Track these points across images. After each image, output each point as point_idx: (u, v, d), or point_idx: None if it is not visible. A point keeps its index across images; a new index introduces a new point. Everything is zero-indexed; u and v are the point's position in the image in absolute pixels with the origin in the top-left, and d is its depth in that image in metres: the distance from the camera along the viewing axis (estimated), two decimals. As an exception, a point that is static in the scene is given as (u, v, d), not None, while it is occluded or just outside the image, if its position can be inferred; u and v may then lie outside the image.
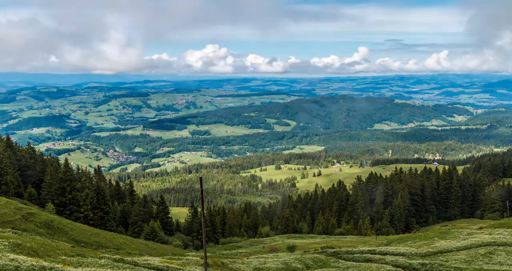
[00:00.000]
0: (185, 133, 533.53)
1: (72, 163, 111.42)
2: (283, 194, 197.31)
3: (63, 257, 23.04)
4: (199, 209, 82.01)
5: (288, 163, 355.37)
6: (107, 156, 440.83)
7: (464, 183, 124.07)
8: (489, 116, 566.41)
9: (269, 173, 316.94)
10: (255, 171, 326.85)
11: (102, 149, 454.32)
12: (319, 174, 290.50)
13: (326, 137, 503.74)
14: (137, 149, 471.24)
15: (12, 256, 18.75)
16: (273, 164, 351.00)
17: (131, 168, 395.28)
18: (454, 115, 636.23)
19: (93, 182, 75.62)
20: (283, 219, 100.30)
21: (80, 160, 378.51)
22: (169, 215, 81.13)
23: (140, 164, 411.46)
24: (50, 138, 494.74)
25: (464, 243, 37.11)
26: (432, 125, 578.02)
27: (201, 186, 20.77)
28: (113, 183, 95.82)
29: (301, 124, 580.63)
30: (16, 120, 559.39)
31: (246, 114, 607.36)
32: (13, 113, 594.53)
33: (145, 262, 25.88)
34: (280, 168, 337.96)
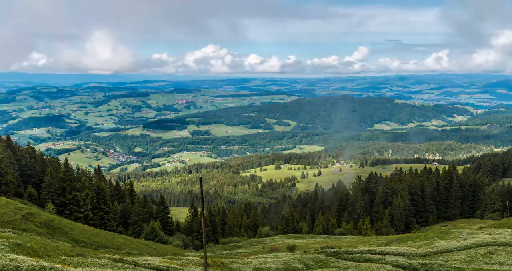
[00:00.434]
0: (185, 133, 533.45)
1: (72, 163, 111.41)
2: (283, 194, 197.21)
3: (63, 257, 23.04)
4: (199, 209, 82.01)
5: (288, 163, 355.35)
6: (107, 156, 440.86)
7: (464, 183, 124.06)
8: (489, 116, 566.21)
9: (269, 173, 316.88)
10: (255, 171, 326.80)
11: (102, 149, 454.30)
12: (319, 174, 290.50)
13: (326, 137, 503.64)
14: (137, 149, 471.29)
15: (12, 256, 18.75)
16: (273, 164, 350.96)
17: (131, 168, 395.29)
18: (454, 115, 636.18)
19: (93, 182, 75.62)
20: (283, 219, 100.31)
21: (80, 160, 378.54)
22: (169, 215, 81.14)
23: (140, 164, 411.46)
24: (50, 138, 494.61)
25: (464, 243, 37.10)
26: (432, 125, 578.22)
27: (201, 186, 20.77)
28: (113, 183, 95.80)
29: (301, 124, 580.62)
30: (16, 120, 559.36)
31: (246, 114, 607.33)
32: (13, 113, 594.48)
33: (145, 262, 25.88)
34: (280, 168, 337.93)
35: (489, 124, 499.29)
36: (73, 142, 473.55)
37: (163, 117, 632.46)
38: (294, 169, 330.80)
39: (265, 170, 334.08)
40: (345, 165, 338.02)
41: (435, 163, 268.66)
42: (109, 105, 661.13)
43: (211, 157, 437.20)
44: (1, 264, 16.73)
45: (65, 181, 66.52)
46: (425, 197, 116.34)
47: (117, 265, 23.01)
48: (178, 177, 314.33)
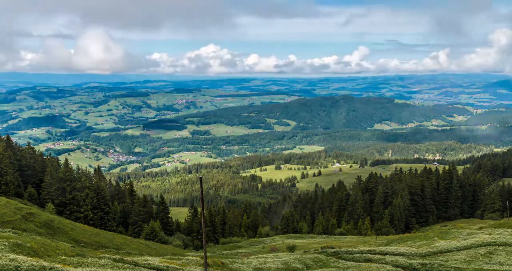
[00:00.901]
0: (185, 133, 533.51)
1: (72, 163, 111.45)
2: (283, 194, 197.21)
3: (63, 257, 23.04)
4: (199, 209, 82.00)
5: (288, 163, 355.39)
6: (107, 156, 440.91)
7: (464, 183, 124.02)
8: (489, 116, 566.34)
9: (269, 173, 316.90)
10: (255, 171, 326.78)
11: (102, 149, 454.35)
12: (319, 174, 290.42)
13: (326, 137, 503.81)
14: (137, 149, 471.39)
15: (12, 256, 18.75)
16: (273, 164, 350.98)
17: (131, 168, 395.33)
18: (454, 115, 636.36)
19: (93, 182, 75.58)
20: (283, 219, 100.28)
21: (80, 160, 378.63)
22: (169, 215, 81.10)
23: (140, 164, 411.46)
24: (50, 138, 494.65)
25: (464, 243, 37.10)
26: (432, 125, 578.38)
27: (201, 186, 20.78)
28: (113, 183, 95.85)
29: (301, 124, 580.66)
30: (16, 120, 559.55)
31: (246, 114, 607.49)
32: (13, 113, 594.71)
33: (145, 262, 25.88)
34: (280, 168, 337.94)
35: (489, 124, 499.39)
36: (73, 142, 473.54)
37: (163, 117, 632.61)
38: (294, 169, 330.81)
39: (265, 170, 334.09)
40: (345, 165, 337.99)
41: (435, 163, 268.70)
42: (109, 105, 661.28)
43: (211, 157, 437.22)
44: (1, 264, 16.74)
45: (65, 181, 66.53)
46: (425, 197, 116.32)
47: (117, 265, 23.01)
48: (178, 177, 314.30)
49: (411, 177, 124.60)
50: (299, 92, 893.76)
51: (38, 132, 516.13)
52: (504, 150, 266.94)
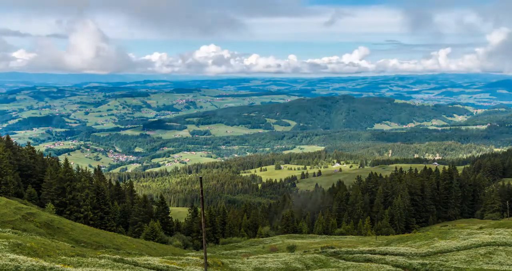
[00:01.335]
0: (185, 133, 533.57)
1: (72, 163, 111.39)
2: (283, 194, 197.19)
3: (63, 257, 23.03)
4: (199, 209, 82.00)
5: (288, 163, 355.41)
6: (107, 156, 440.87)
7: (464, 183, 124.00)
8: (489, 116, 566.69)
9: (269, 173, 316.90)
10: (255, 171, 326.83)
11: (102, 149, 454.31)
12: (319, 174, 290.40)
13: (326, 137, 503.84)
14: (137, 149, 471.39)
15: (12, 256, 18.75)
16: (273, 164, 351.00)
17: (131, 168, 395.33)
18: (454, 115, 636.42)
19: (93, 182, 75.58)
20: (283, 219, 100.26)
21: (80, 160, 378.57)
22: (169, 215, 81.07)
23: (140, 164, 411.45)
24: (50, 138, 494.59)
25: (464, 243, 37.10)
26: (432, 125, 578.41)
27: (201, 186, 20.76)
28: (113, 183, 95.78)
29: (301, 124, 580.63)
30: (16, 120, 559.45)
31: (246, 114, 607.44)
32: (13, 113, 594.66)
33: (145, 262, 25.88)
34: (280, 168, 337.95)
35: (489, 124, 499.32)
36: (73, 142, 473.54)
37: (163, 117, 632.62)
38: (294, 169, 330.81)
39: (265, 170, 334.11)
40: (345, 165, 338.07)
41: (435, 163, 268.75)
42: (109, 105, 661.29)
43: (211, 157, 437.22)
44: (1, 264, 16.74)
45: (65, 181, 66.53)
46: (425, 197, 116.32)
47: (117, 265, 23.00)
48: (178, 177, 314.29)
49: (411, 177, 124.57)
50: (299, 92, 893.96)
51: (38, 132, 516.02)
52: (504, 150, 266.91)
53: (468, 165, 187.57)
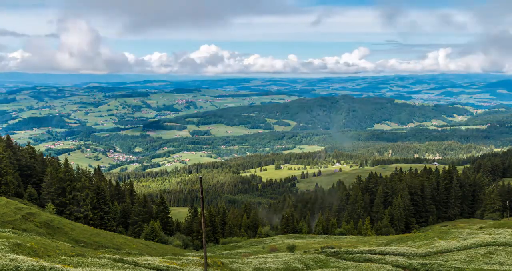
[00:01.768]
0: (185, 133, 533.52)
1: (72, 163, 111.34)
2: (283, 194, 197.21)
3: (63, 257, 23.04)
4: (199, 209, 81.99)
5: (288, 163, 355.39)
6: (107, 156, 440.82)
7: (464, 183, 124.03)
8: (489, 116, 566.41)
9: (269, 173, 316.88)
10: (255, 171, 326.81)
11: (102, 149, 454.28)
12: (319, 174, 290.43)
13: (326, 137, 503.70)
14: (137, 149, 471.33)
15: (12, 256, 18.75)
16: (273, 164, 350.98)
17: (131, 168, 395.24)
18: (454, 115, 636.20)
19: (93, 182, 75.55)
20: (283, 219, 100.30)
21: (80, 160, 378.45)
22: (169, 215, 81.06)
23: (140, 164, 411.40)
24: (50, 138, 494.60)
25: (464, 243, 37.10)
26: (432, 125, 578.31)
27: (201, 186, 20.76)
28: (113, 183, 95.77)
29: (301, 124, 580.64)
30: (16, 120, 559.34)
31: (246, 114, 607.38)
32: (13, 113, 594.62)
33: (145, 262, 25.88)
34: (280, 168, 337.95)
35: (489, 124, 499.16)
36: (73, 142, 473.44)
37: (163, 117, 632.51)
38: (294, 169, 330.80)
39: (265, 170, 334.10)
40: (345, 165, 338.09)
41: (435, 163, 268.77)
42: (109, 105, 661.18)
43: (211, 157, 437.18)
44: (1, 264, 16.74)
45: (65, 181, 66.53)
46: (425, 197, 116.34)
47: (117, 265, 23.01)
48: (178, 177, 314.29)
49: (411, 177, 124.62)
50: (299, 92, 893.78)
51: (38, 132, 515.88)
52: (504, 150, 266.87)
53: (468, 165, 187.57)
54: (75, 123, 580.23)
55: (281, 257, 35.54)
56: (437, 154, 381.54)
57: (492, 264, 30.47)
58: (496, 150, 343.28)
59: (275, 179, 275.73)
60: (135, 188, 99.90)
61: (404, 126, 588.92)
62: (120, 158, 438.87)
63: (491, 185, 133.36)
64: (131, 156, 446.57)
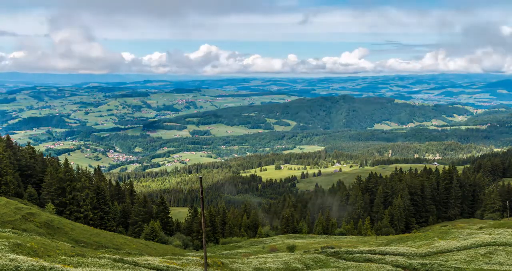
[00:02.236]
0: (185, 133, 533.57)
1: (72, 163, 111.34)
2: (283, 194, 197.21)
3: (63, 257, 23.03)
4: (199, 209, 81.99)
5: (288, 163, 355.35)
6: (107, 156, 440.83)
7: (464, 183, 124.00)
8: (489, 116, 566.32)
9: (269, 173, 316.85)
10: (255, 171, 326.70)
11: (102, 149, 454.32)
12: (319, 174, 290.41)
13: (326, 137, 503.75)
14: (137, 149, 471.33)
15: (12, 256, 18.75)
16: (273, 164, 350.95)
17: (131, 168, 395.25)
18: (454, 115, 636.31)
19: (93, 182, 75.56)
20: (283, 219, 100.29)
21: (80, 160, 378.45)
22: (169, 215, 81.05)
23: (140, 164, 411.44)
24: (50, 138, 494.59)
25: (464, 243, 37.11)
26: (432, 125, 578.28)
27: (201, 186, 20.77)
28: (113, 183, 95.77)
29: (301, 124, 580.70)
30: (16, 120, 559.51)
31: (246, 114, 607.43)
32: (13, 113, 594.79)
33: (145, 262, 25.88)
34: (280, 168, 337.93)
35: (489, 124, 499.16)
36: (73, 142, 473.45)
37: (163, 117, 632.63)
38: (294, 169, 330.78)
39: (265, 170, 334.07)
40: (345, 165, 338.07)
41: (435, 163, 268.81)
42: (109, 105, 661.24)
43: (211, 157, 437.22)
44: (1, 264, 16.74)
45: (65, 181, 66.53)
46: (425, 197, 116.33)
47: (117, 265, 23.01)
48: (178, 177, 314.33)
49: (411, 177, 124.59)
50: (299, 92, 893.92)
51: (38, 132, 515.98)
52: (504, 150, 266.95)
53: (468, 165, 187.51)
54: (75, 123, 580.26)
55: (281, 257, 35.54)
56: (437, 154, 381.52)
57: (492, 264, 30.47)
58: (496, 150, 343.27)
59: (275, 179, 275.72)
60: (135, 188, 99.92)
61: (404, 126, 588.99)
62: (120, 158, 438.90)
63: (491, 185, 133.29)
64: (131, 156, 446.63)
